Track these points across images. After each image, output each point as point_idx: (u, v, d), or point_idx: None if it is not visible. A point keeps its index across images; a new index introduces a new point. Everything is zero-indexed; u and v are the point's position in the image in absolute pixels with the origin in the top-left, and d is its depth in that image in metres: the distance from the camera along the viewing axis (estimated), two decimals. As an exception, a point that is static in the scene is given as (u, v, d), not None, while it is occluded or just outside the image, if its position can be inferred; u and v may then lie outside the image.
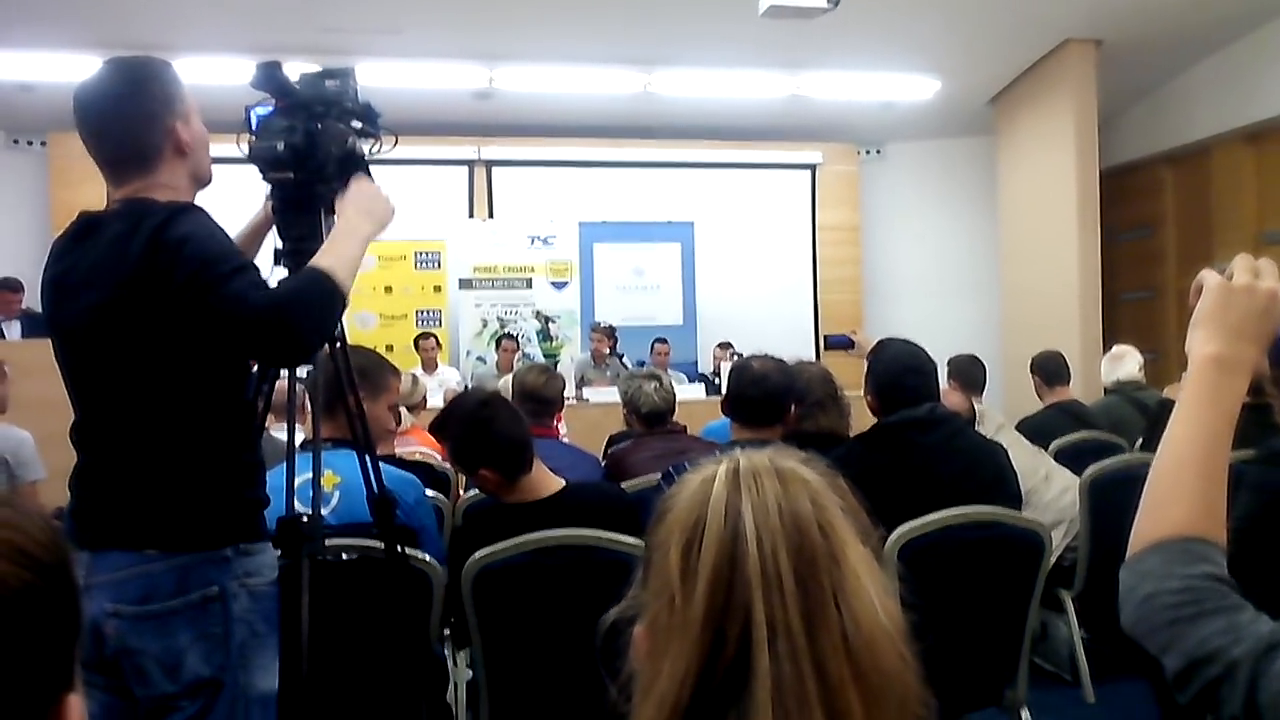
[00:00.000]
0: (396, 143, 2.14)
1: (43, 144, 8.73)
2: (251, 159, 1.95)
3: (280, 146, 1.91)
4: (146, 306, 1.69)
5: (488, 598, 2.33)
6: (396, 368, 2.93)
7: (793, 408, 2.98)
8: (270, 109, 1.97)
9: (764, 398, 2.87)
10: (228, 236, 1.79)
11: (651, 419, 3.68)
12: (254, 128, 1.98)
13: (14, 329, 7.37)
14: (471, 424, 2.51)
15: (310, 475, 2.00)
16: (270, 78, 1.91)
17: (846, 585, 0.78)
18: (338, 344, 2.07)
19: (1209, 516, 1.08)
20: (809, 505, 0.80)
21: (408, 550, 2.27)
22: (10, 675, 0.52)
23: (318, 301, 1.74)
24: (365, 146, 2.11)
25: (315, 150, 1.94)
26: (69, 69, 7.40)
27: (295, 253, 1.99)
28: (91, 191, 7.77)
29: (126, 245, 1.70)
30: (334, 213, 2.01)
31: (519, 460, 2.49)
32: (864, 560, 0.81)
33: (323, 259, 1.79)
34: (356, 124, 2.08)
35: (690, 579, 0.79)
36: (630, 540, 2.33)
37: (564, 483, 2.54)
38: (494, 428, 2.47)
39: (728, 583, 0.77)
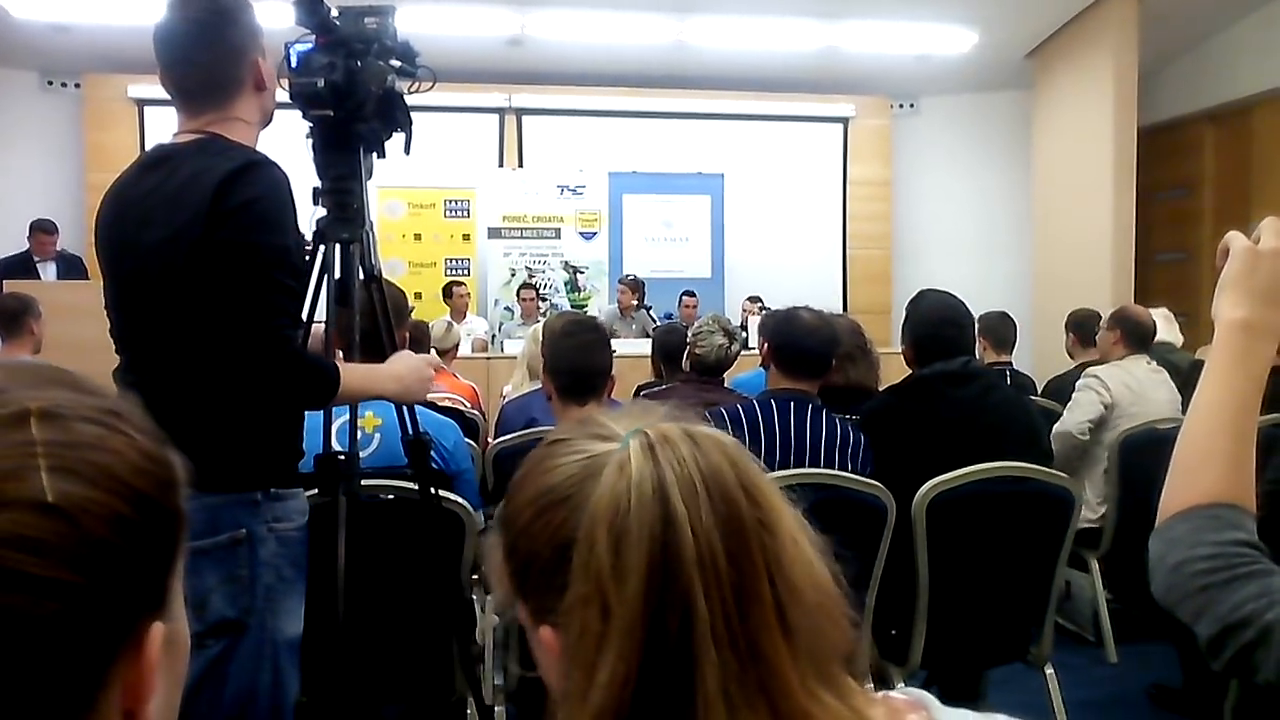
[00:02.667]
0: (435, 83, 2.13)
1: (77, 85, 8.73)
2: (291, 96, 1.94)
3: (320, 83, 1.90)
4: (200, 249, 1.69)
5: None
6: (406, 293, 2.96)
7: (831, 363, 2.97)
8: (310, 45, 1.96)
9: (815, 350, 2.86)
10: (292, 204, 1.78)
11: (703, 368, 3.67)
12: (294, 64, 1.97)
13: (49, 270, 7.43)
14: (562, 329, 2.59)
15: (347, 417, 2.01)
16: (312, 13, 1.90)
17: (782, 556, 0.72)
18: (374, 282, 2.07)
19: (1238, 482, 1.07)
20: (731, 471, 0.73)
21: (441, 493, 2.29)
22: (92, 605, 0.51)
23: (312, 389, 1.78)
24: (403, 85, 2.10)
25: (355, 88, 1.94)
26: (104, 10, 7.42)
27: (334, 191, 2.00)
28: (125, 134, 7.88)
29: (197, 186, 1.70)
30: (373, 151, 2.02)
31: (579, 384, 2.52)
32: (794, 522, 0.75)
33: (349, 372, 1.83)
34: (395, 63, 2.07)
35: (623, 576, 0.70)
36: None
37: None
38: (574, 340, 2.53)
39: (663, 573, 0.70)
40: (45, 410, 0.53)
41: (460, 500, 2.43)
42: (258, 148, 1.87)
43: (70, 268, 7.60)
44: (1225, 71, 8.25)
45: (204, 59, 1.81)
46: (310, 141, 2.01)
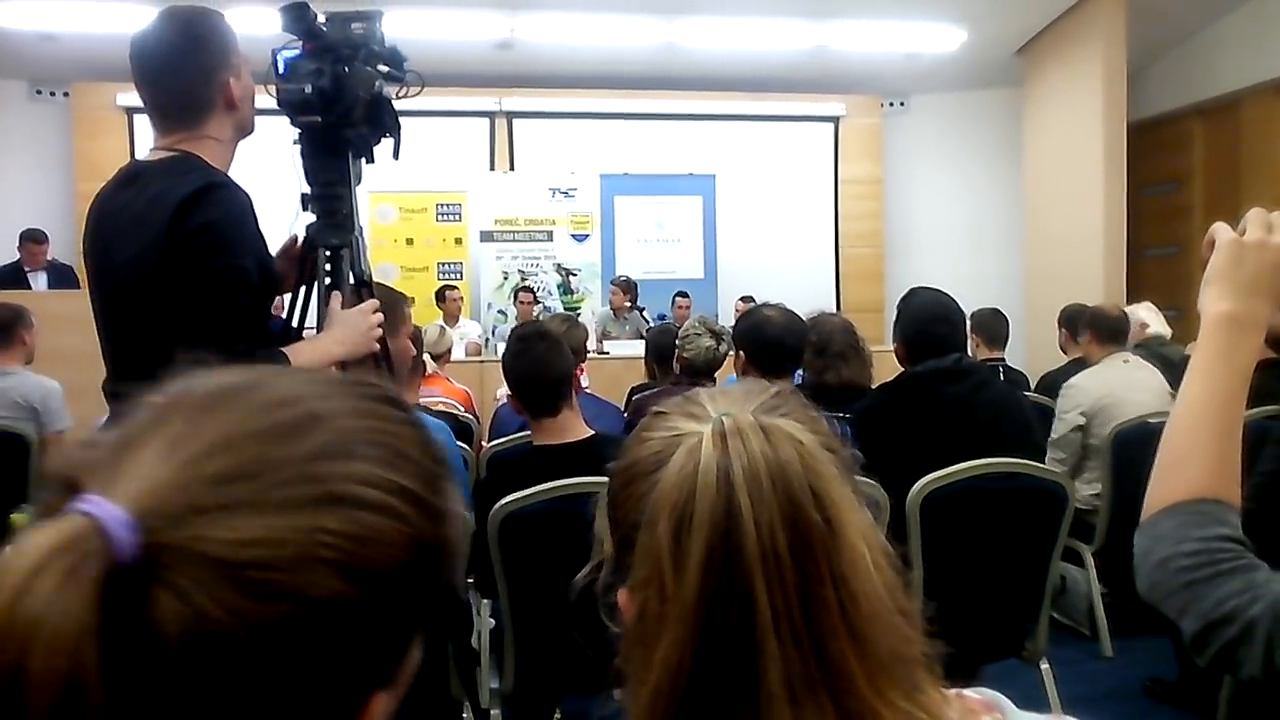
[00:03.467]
0: (424, 88, 2.13)
1: (65, 94, 8.72)
2: (279, 103, 1.94)
3: (308, 89, 1.90)
4: (160, 270, 1.70)
5: (513, 543, 2.35)
6: (408, 297, 2.95)
7: (803, 356, 2.99)
8: (297, 52, 1.96)
9: (789, 342, 2.87)
10: (252, 224, 1.80)
11: (692, 370, 3.68)
12: (281, 71, 1.97)
13: (40, 280, 7.42)
14: (513, 348, 2.57)
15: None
16: (299, 19, 1.90)
17: (844, 558, 0.72)
18: (364, 287, 2.08)
19: (1223, 477, 1.07)
20: (801, 470, 0.73)
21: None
22: (343, 674, 0.52)
23: None
24: (392, 91, 2.10)
25: (343, 94, 1.94)
26: (92, 18, 7.41)
27: (323, 197, 2.00)
28: (114, 143, 7.88)
29: (158, 208, 1.71)
30: (361, 156, 2.02)
31: (541, 398, 2.51)
32: (859, 526, 0.74)
33: (295, 354, 1.84)
34: (383, 67, 2.07)
35: (682, 561, 0.71)
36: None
37: (592, 432, 2.55)
38: (526, 359, 2.51)
39: (723, 564, 0.71)
40: (342, 497, 0.52)
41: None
42: (237, 158, 1.89)
43: (61, 277, 7.59)
44: (1213, 66, 8.27)
45: (174, 82, 1.83)
46: (298, 147, 2.01)
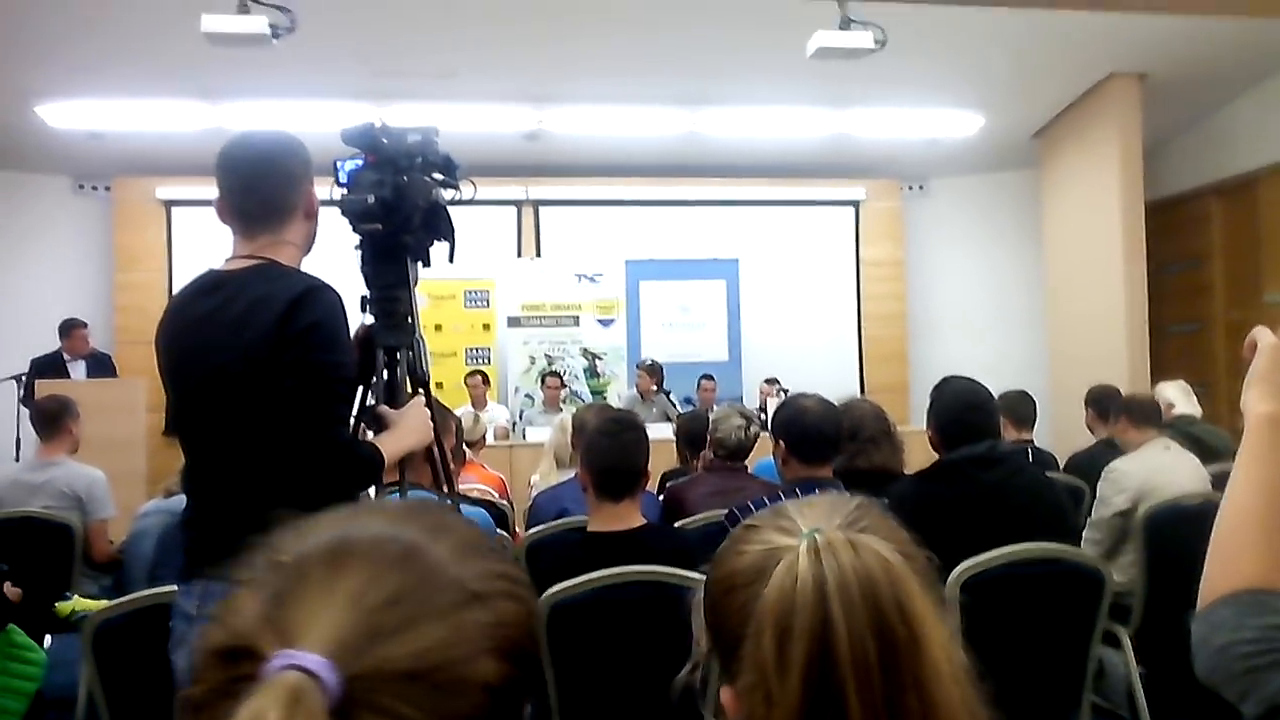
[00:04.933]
0: (476, 191, 2.24)
1: (107, 189, 8.99)
2: (343, 211, 2.05)
3: (370, 200, 2.01)
4: (267, 369, 1.81)
5: (563, 632, 2.40)
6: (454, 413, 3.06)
7: (841, 444, 3.05)
8: (360, 164, 2.07)
9: (826, 432, 2.94)
10: (348, 325, 1.93)
11: (725, 453, 3.75)
12: (343, 181, 2.08)
13: (79, 369, 7.57)
14: (604, 429, 2.66)
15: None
16: (364, 134, 2.03)
17: (925, 668, 0.78)
18: (424, 387, 2.17)
19: (1275, 567, 1.13)
20: (888, 584, 0.80)
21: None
22: None
23: (364, 475, 1.96)
24: (446, 195, 2.22)
25: (403, 203, 2.05)
26: (135, 116, 7.68)
27: (383, 299, 2.10)
28: (153, 235, 8.10)
29: (261, 311, 1.83)
30: (419, 260, 2.12)
31: (619, 485, 2.59)
32: (940, 640, 0.81)
33: (384, 446, 1.99)
34: (438, 175, 2.19)
35: (786, 669, 0.78)
36: (695, 576, 2.39)
37: (644, 520, 2.61)
38: (615, 443, 2.60)
39: (820, 671, 0.77)
40: (481, 592, 0.61)
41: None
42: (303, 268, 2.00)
43: (100, 366, 7.75)
44: (1228, 146, 8.40)
45: (265, 185, 1.95)
46: (360, 253, 2.11)
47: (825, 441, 2.97)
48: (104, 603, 3.34)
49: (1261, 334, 1.24)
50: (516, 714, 0.63)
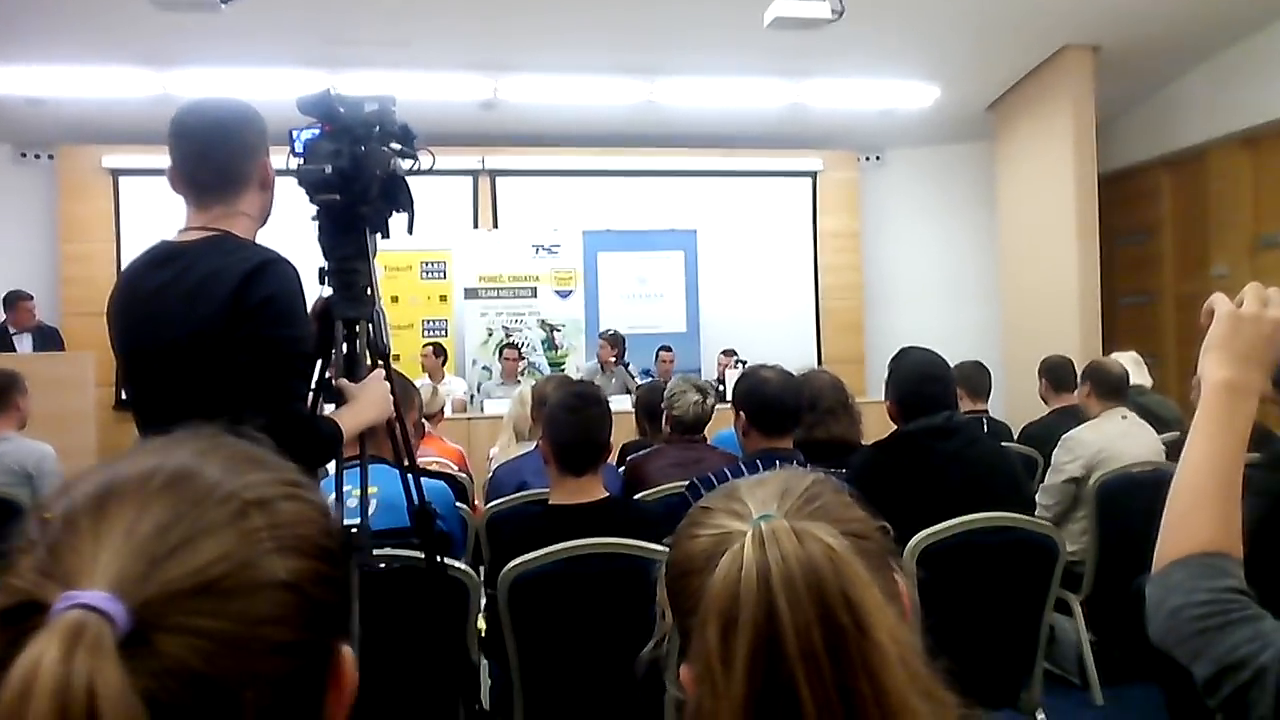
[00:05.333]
0: (435, 161, 2.21)
1: (50, 157, 8.78)
2: (300, 182, 2.01)
3: (328, 170, 1.98)
4: (221, 343, 1.77)
5: (525, 604, 2.40)
6: (415, 385, 3.03)
7: (802, 415, 3.06)
8: (316, 133, 2.04)
9: (787, 404, 2.95)
10: (304, 298, 1.91)
11: (682, 427, 3.75)
12: (300, 150, 2.05)
13: (25, 342, 7.43)
14: (566, 404, 2.64)
15: (355, 489, 2.07)
16: (320, 103, 1.99)
17: (874, 656, 0.78)
18: (384, 359, 2.14)
19: (1228, 532, 1.17)
20: (832, 575, 0.80)
21: (446, 560, 2.33)
22: (317, 650, 0.63)
23: (323, 450, 1.94)
24: (404, 165, 2.19)
25: (360, 173, 2.02)
26: (78, 83, 7.50)
27: (341, 271, 2.07)
28: (99, 205, 7.95)
29: (214, 285, 1.80)
30: (377, 231, 2.09)
31: (582, 459, 2.58)
32: (888, 625, 0.80)
33: (343, 421, 1.97)
34: (396, 145, 2.15)
35: (730, 661, 0.78)
36: (657, 548, 2.40)
37: (607, 494, 2.61)
38: (578, 418, 2.59)
39: (766, 663, 0.77)
40: (258, 499, 0.63)
41: (464, 567, 2.48)
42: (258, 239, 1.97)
43: (46, 339, 7.60)
44: (1180, 119, 8.51)
45: (219, 154, 1.91)
46: (316, 223, 2.08)
47: (786, 413, 2.99)
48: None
49: (1219, 301, 1.26)
50: (338, 605, 0.65)
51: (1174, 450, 4.22)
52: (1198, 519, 1.17)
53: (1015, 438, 5.11)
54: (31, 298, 7.59)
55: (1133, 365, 5.18)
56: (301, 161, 2.03)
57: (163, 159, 1.92)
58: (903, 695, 0.79)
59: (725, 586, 0.81)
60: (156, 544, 0.57)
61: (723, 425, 4.94)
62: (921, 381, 2.97)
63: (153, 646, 0.54)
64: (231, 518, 0.61)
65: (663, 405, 3.93)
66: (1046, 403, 5.18)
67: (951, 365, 4.90)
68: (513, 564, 2.36)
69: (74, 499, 0.60)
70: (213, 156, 1.91)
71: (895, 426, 3.03)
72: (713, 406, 3.88)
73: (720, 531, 0.86)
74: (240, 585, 0.58)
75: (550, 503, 2.63)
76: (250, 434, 0.72)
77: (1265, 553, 2.04)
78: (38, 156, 8.82)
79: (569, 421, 2.57)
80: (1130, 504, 3.82)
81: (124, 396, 7.55)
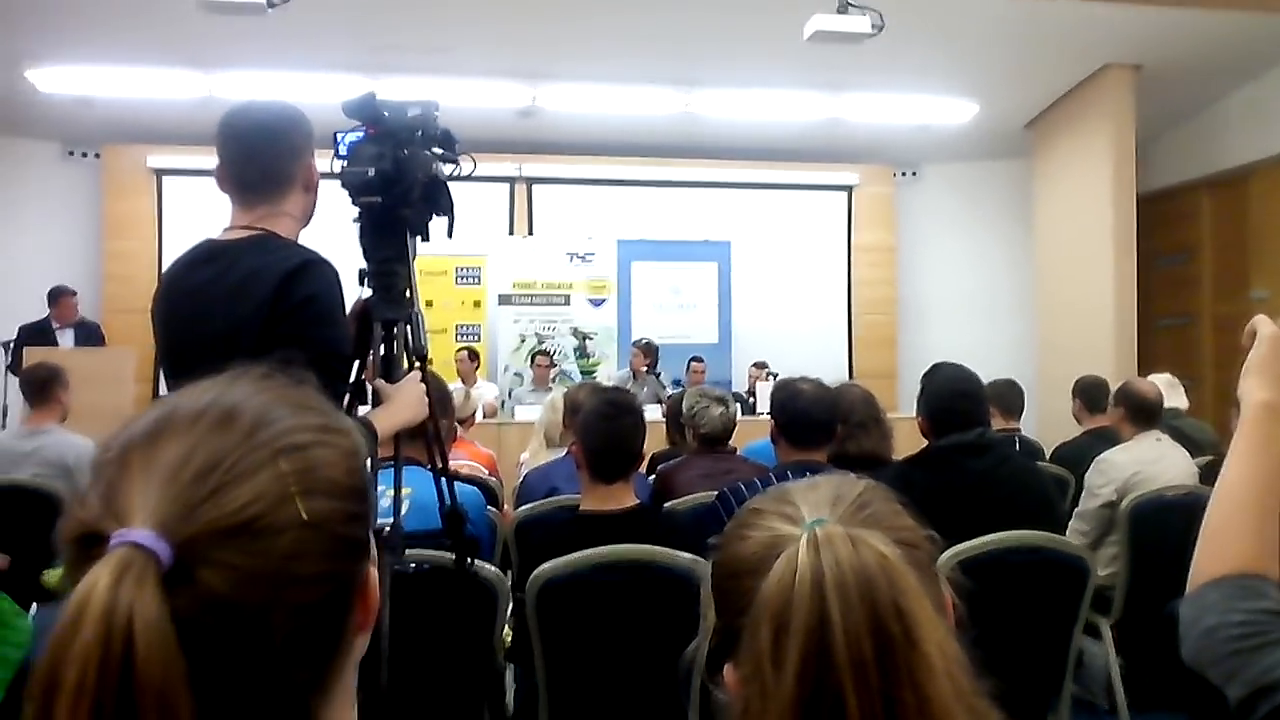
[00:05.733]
0: (476, 166, 2.24)
1: (96, 156, 8.92)
2: (343, 184, 2.04)
3: (371, 173, 2.00)
4: (261, 342, 1.79)
5: (553, 610, 2.41)
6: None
7: (837, 429, 3.06)
8: (360, 135, 2.07)
9: (815, 421, 2.95)
10: (343, 299, 1.93)
11: (708, 440, 3.75)
12: (344, 153, 2.08)
13: (67, 337, 7.54)
14: (601, 412, 2.65)
15: (389, 489, 2.09)
16: (364, 106, 2.01)
17: (921, 666, 0.79)
18: (422, 362, 2.16)
19: (1264, 554, 1.16)
20: (885, 584, 0.80)
21: (476, 562, 2.35)
22: (343, 577, 0.70)
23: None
24: (445, 169, 2.21)
25: (403, 176, 2.04)
26: (126, 83, 7.62)
27: (381, 273, 2.09)
28: (143, 204, 8.07)
29: (256, 283, 1.82)
30: (418, 234, 2.12)
31: (615, 467, 2.60)
32: (936, 637, 0.81)
33: (378, 422, 1.98)
34: (438, 150, 2.18)
35: (781, 663, 0.79)
36: (686, 557, 2.41)
37: (637, 501, 2.62)
38: (613, 426, 2.61)
39: (816, 667, 0.78)
40: (289, 445, 0.69)
41: (493, 569, 2.49)
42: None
43: (89, 335, 7.72)
44: (1221, 140, 8.42)
45: (265, 155, 1.94)
46: (358, 225, 2.11)
47: (815, 426, 2.98)
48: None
49: (1262, 323, 1.26)
50: (361, 537, 0.72)
51: (1208, 474, 4.17)
52: (1234, 540, 1.17)
53: (1048, 457, 5.07)
54: (75, 293, 7.71)
55: (1168, 388, 5.13)
56: (345, 163, 2.06)
57: (206, 160, 1.96)
58: (946, 707, 0.80)
59: (779, 589, 0.81)
60: (198, 487, 0.64)
61: (752, 437, 4.95)
62: (954, 397, 2.96)
63: (191, 579, 0.62)
64: (266, 463, 0.67)
65: (683, 421, 3.93)
66: (1080, 423, 5.13)
67: (984, 383, 4.90)
68: (542, 568, 2.37)
69: (132, 432, 0.68)
70: (259, 157, 1.94)
71: (926, 442, 3.02)
72: (735, 413, 3.87)
73: (773, 534, 0.87)
74: (270, 526, 0.65)
75: (581, 509, 2.64)
76: (298, 374, 0.78)
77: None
78: (84, 155, 8.96)
79: (603, 429, 2.58)
80: (1163, 527, 3.78)
81: (165, 393, 7.66)
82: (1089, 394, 5.05)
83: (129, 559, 0.60)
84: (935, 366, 3.10)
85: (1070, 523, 4.03)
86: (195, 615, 0.61)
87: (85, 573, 0.61)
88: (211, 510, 0.64)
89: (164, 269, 2.06)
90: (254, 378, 0.76)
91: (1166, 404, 4.98)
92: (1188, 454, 4.21)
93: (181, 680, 0.59)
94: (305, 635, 0.67)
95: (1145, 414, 4.28)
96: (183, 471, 0.65)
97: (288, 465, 0.67)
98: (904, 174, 10.29)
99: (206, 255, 1.93)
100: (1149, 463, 4.07)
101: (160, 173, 8.81)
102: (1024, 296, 9.29)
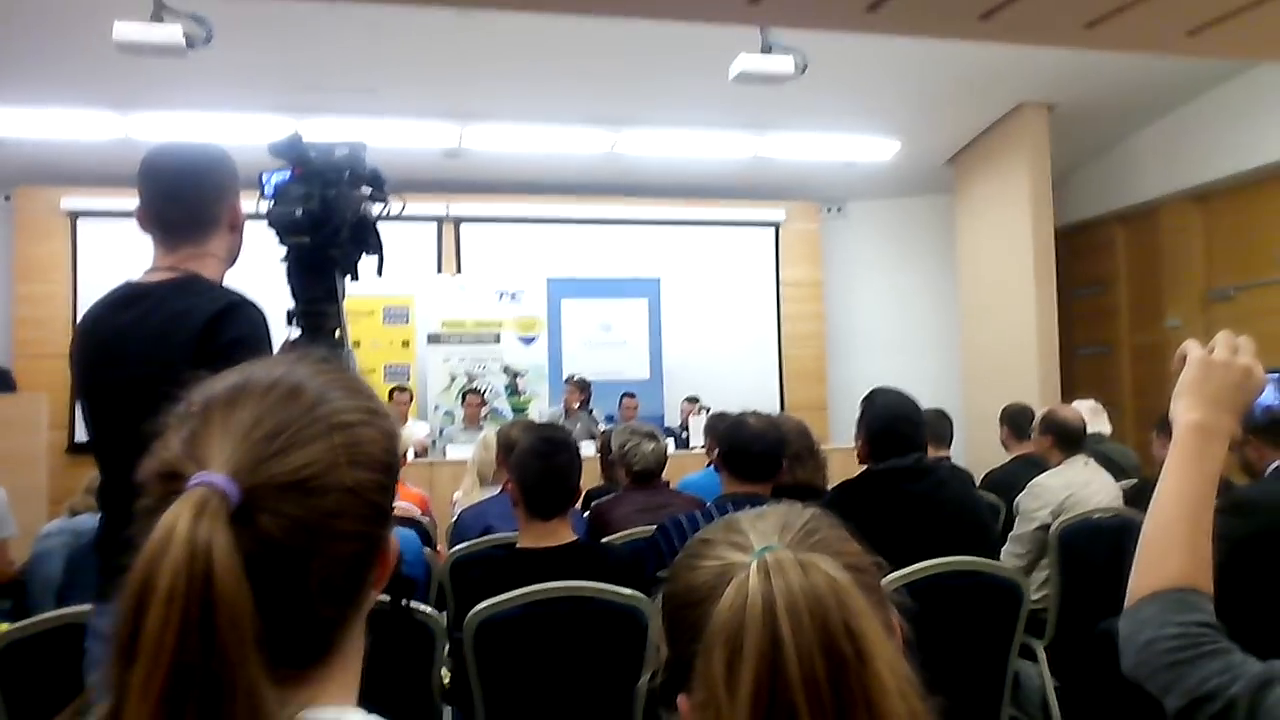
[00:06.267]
0: (405, 206, 2.22)
1: (6, 198, 8.69)
2: (271, 224, 2.01)
3: (299, 212, 1.98)
4: (187, 383, 1.74)
5: (489, 648, 2.37)
6: None
7: (782, 464, 3.07)
8: (287, 176, 2.04)
9: (764, 454, 2.97)
10: (271, 341, 1.88)
11: (642, 477, 3.74)
12: (270, 193, 2.05)
13: (-22, 385, 7.29)
14: (537, 449, 2.62)
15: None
16: (291, 147, 1.99)
17: (873, 686, 0.80)
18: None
19: (1198, 569, 1.20)
20: (835, 605, 0.81)
21: (412, 604, 2.31)
22: (371, 537, 0.82)
23: None
24: (374, 209, 2.19)
25: (331, 216, 2.02)
26: (38, 124, 7.44)
27: (309, 313, 2.06)
28: (56, 246, 7.86)
29: (181, 326, 1.77)
30: (347, 274, 2.09)
31: (551, 503, 2.57)
32: (887, 657, 0.82)
33: None
34: (366, 189, 2.16)
35: (735, 688, 0.80)
36: (626, 592, 2.39)
37: (575, 537, 2.60)
38: (549, 463, 2.59)
39: (770, 690, 0.79)
40: (342, 422, 0.81)
41: (429, 610, 2.45)
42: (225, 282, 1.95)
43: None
44: (1133, 175, 8.71)
45: (189, 195, 1.89)
46: (286, 265, 2.08)
47: (762, 459, 3.00)
48: (3, 626, 3.22)
49: (1191, 347, 1.31)
50: (383, 502, 0.84)
51: (1134, 497, 4.27)
52: (1169, 555, 1.21)
53: (978, 484, 5.15)
54: (-16, 341, 7.48)
55: (1092, 414, 5.26)
56: (272, 203, 2.03)
57: (122, 201, 1.92)
58: None
59: (731, 615, 0.82)
60: (266, 446, 0.77)
61: (685, 471, 4.96)
62: (894, 420, 2.99)
63: (253, 520, 0.74)
64: (322, 434, 0.79)
65: (611, 458, 3.91)
66: (1008, 450, 5.24)
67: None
68: (481, 606, 2.33)
69: (214, 392, 0.82)
70: (183, 197, 1.90)
71: (863, 468, 3.04)
72: (665, 448, 3.87)
73: (723, 562, 0.88)
74: (320, 486, 0.77)
75: (518, 546, 2.61)
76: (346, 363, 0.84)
77: (1227, 596, 2.07)
78: (-5, 197, 8.73)
79: (539, 468, 2.56)
80: (1092, 550, 3.86)
81: (83, 438, 7.42)
82: (1015, 421, 5.16)
83: (207, 496, 0.72)
84: (874, 391, 3.13)
85: (1006, 546, 4.09)
86: (252, 551, 0.72)
87: (164, 503, 0.73)
88: (275, 467, 0.76)
89: (81, 312, 2.00)
90: (314, 360, 0.87)
91: (1091, 429, 5.11)
92: (1111, 477, 4.31)
93: (248, 597, 0.70)
94: (336, 580, 0.79)
95: (1070, 440, 4.38)
96: (254, 431, 0.77)
97: (340, 439, 0.80)
98: (830, 210, 10.45)
99: (128, 297, 1.87)
100: (1080, 485, 4.16)
101: (75, 215, 8.59)
102: (949, 328, 9.47)
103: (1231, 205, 7.94)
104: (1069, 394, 7.39)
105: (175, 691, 0.68)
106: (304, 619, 0.77)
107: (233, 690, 0.68)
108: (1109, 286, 9.21)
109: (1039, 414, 4.72)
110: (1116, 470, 4.62)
